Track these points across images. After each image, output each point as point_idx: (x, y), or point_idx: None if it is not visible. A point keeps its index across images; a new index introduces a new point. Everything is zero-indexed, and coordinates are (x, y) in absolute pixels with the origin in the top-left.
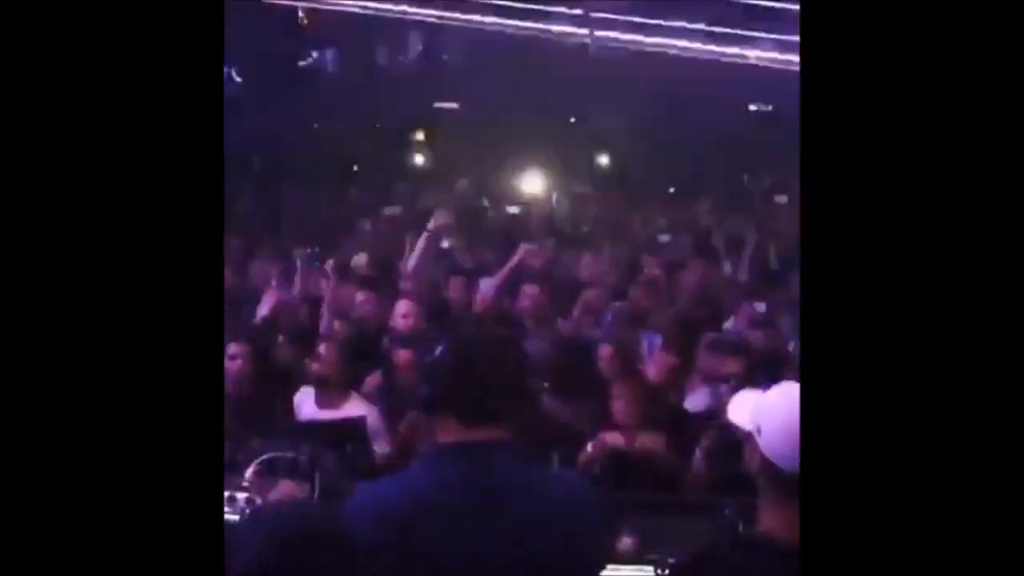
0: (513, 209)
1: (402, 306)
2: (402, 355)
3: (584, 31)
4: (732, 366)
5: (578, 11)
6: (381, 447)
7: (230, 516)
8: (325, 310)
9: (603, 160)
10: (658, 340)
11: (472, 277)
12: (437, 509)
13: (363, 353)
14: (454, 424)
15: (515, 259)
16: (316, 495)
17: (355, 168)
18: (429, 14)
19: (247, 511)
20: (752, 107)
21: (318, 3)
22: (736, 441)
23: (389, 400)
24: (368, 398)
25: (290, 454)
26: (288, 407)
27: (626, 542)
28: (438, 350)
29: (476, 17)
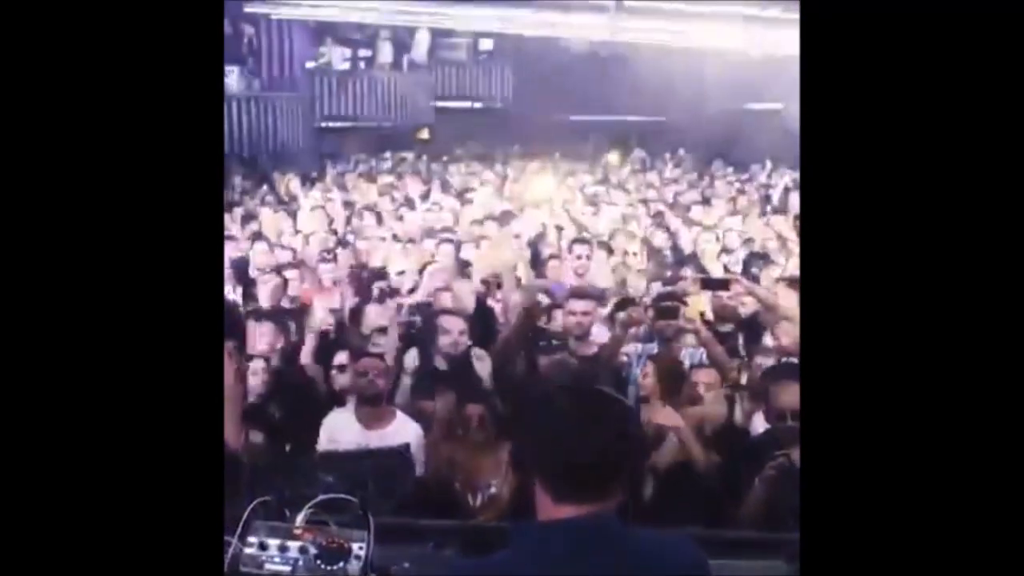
0: (533, 211)
1: (449, 322)
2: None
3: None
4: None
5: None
6: (422, 472)
7: (282, 568)
8: (366, 321)
9: (614, 158)
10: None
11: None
12: None
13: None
14: (545, 496)
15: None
16: (371, 537)
17: (366, 168)
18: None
19: (300, 562)
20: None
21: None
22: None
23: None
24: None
25: (342, 495)
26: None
27: None
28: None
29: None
